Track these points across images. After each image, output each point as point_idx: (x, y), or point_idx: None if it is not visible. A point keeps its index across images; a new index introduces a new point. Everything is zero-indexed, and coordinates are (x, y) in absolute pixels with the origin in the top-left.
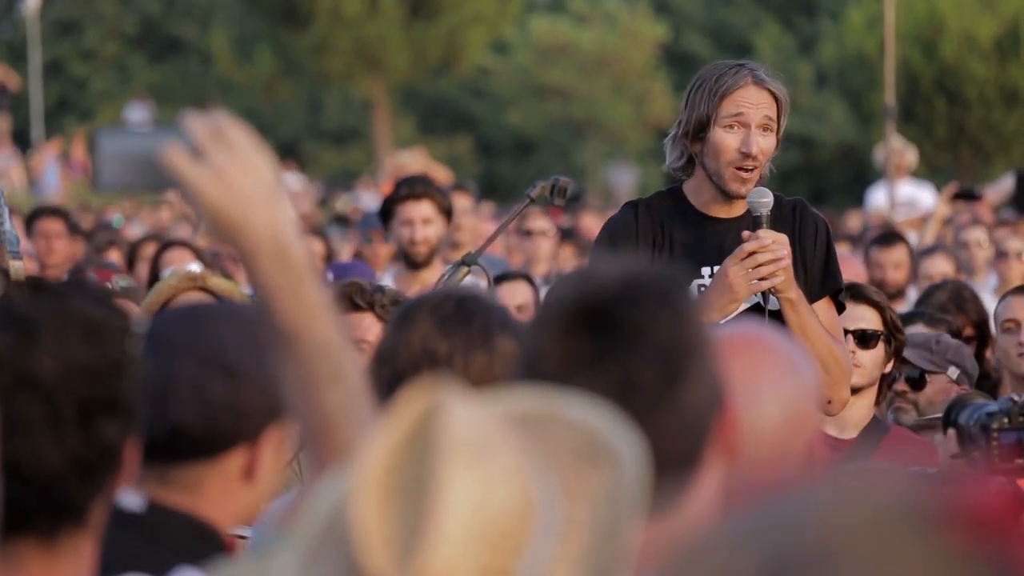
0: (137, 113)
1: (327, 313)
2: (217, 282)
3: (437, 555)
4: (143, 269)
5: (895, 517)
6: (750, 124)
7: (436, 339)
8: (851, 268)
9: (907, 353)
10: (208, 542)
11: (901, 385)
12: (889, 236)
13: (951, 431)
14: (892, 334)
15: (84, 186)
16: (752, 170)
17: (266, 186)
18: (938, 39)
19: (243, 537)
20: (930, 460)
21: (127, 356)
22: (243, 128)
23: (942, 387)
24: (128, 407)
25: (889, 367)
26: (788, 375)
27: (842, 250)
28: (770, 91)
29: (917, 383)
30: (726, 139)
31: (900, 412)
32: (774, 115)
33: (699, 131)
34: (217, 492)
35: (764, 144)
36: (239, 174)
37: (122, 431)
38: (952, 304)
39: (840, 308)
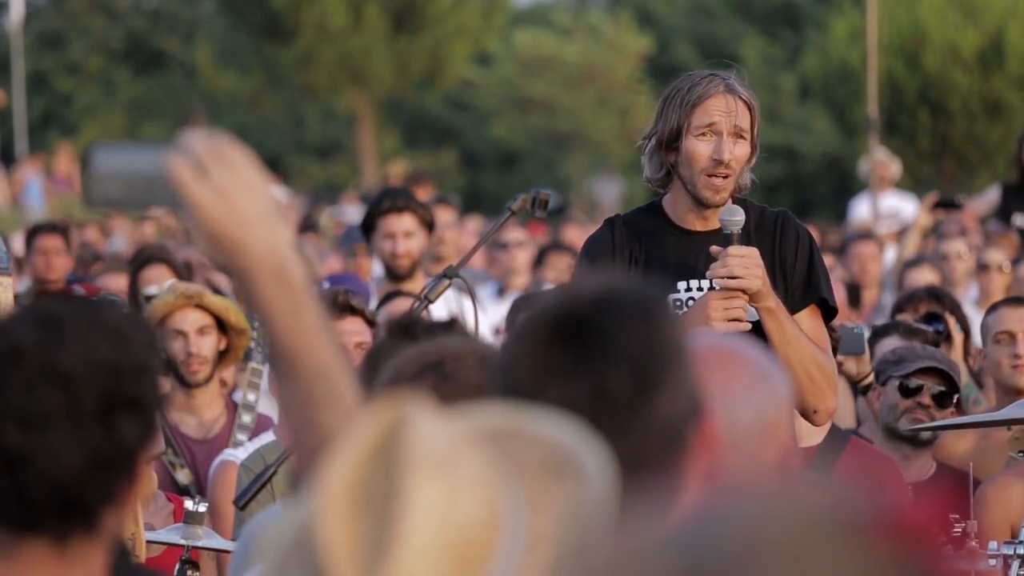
0: None
1: (325, 334)
2: (212, 299)
3: (403, 566)
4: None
5: (812, 524)
6: (722, 132)
7: None
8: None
9: (947, 370)
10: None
11: (926, 399)
12: (865, 234)
13: None
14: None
15: (69, 200)
16: (726, 177)
17: (266, 207)
18: (921, 51)
19: (226, 551)
20: (888, 470)
21: (149, 365)
22: (242, 148)
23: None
24: (147, 412)
25: None
26: (761, 385)
27: (826, 262)
28: (742, 99)
29: (943, 400)
30: (698, 147)
31: (916, 423)
32: (746, 123)
33: (673, 141)
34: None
35: (737, 152)
36: (240, 194)
37: (139, 434)
38: (928, 295)
39: (828, 318)
